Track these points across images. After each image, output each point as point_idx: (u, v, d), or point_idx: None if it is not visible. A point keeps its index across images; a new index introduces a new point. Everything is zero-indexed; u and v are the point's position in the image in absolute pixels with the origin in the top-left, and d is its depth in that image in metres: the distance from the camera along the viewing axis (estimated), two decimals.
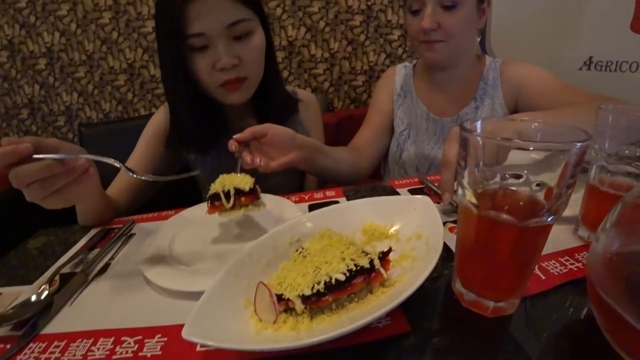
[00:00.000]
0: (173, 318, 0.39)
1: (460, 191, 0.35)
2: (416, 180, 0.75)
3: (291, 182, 0.95)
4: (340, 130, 1.56)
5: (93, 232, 0.64)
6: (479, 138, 0.31)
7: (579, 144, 0.28)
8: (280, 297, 0.35)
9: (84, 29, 1.67)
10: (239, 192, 0.53)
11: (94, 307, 0.44)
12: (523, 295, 0.37)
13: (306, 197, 0.70)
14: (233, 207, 0.53)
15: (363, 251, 0.39)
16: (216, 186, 0.53)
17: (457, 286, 0.38)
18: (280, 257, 0.43)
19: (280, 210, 0.61)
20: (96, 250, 0.56)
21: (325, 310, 0.36)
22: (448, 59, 0.89)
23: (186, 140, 0.81)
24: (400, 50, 1.90)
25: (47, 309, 0.44)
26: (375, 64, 1.90)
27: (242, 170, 0.59)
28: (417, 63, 1.04)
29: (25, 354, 0.37)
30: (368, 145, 0.99)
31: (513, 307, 0.36)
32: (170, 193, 0.97)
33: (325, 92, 1.86)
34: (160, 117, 0.84)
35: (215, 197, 0.52)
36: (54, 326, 0.41)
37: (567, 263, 0.43)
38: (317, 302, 0.35)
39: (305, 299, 0.34)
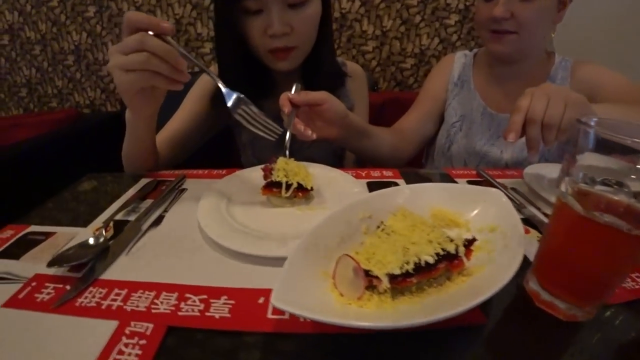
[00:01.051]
0: (238, 280, 0.37)
1: (563, 187, 0.33)
2: (473, 172, 0.70)
3: (331, 156, 0.92)
4: (385, 112, 1.49)
5: (143, 182, 0.62)
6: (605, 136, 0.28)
7: None
8: (366, 273, 0.32)
9: None
10: (300, 187, 0.51)
11: (150, 259, 0.42)
12: (603, 304, 0.35)
13: (363, 174, 0.65)
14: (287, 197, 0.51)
15: (447, 236, 0.36)
16: (280, 174, 0.50)
17: (532, 285, 0.37)
18: (352, 232, 0.40)
19: (342, 183, 0.58)
20: (148, 201, 0.55)
21: (404, 291, 0.34)
22: (516, 54, 0.82)
23: None
24: (455, 37, 1.78)
25: (104, 254, 0.42)
26: (427, 48, 1.79)
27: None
28: (478, 53, 0.97)
29: (86, 297, 0.35)
30: (414, 129, 0.94)
31: (590, 314, 0.34)
32: (209, 156, 0.95)
33: (371, 71, 1.77)
34: (208, 77, 0.83)
35: (275, 183, 0.50)
36: (112, 273, 0.39)
37: None
38: (401, 282, 0.33)
39: (392, 277, 0.32)
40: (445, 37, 1.75)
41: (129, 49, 0.45)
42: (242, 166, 1.02)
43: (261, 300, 0.34)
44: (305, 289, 0.30)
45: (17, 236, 0.48)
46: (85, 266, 0.40)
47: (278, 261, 0.36)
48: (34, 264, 0.42)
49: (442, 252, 0.34)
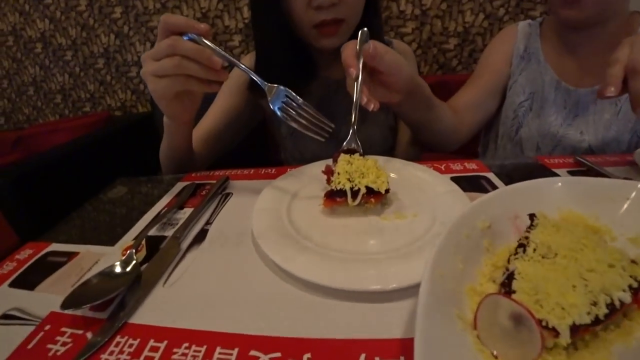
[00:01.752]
0: (322, 325, 0.26)
1: None
2: (570, 161, 0.58)
3: (388, 131, 0.81)
4: None
5: (179, 187, 0.52)
6: None
7: None
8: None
9: None
10: (370, 191, 0.38)
11: (195, 291, 0.31)
12: None
13: (442, 167, 0.53)
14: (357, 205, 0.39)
15: (633, 260, 0.25)
16: (342, 178, 0.39)
17: None
18: (473, 251, 0.28)
19: (425, 180, 0.45)
20: (186, 210, 0.45)
21: (576, 342, 0.23)
22: (594, 18, 0.67)
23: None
24: (502, 11, 1.59)
25: (135, 283, 0.32)
26: (472, 26, 1.62)
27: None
28: (545, 21, 0.82)
29: (112, 353, 0.25)
30: (471, 108, 0.80)
31: None
32: (245, 152, 0.87)
33: None
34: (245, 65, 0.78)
35: (337, 192, 0.39)
36: (146, 312, 0.29)
37: None
38: (583, 332, 0.21)
39: (574, 328, 0.21)
40: (491, 12, 1.57)
41: (161, 54, 0.44)
42: (281, 163, 0.94)
43: (362, 359, 0.23)
44: (445, 348, 0.18)
45: (36, 257, 0.40)
46: (111, 302, 0.30)
47: (374, 296, 0.26)
48: (50, 296, 0.33)
49: (635, 284, 0.23)
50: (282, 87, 0.45)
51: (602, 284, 0.22)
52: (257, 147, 0.99)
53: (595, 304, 0.21)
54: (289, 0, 0.60)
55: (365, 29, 0.50)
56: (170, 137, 0.58)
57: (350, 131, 0.48)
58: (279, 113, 0.44)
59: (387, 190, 0.39)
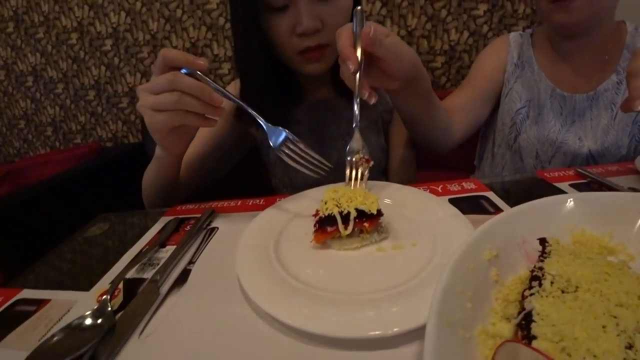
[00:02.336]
0: None
1: None
2: (571, 173, 0.56)
3: (377, 160, 0.78)
4: None
5: (163, 221, 0.49)
6: None
7: None
8: None
9: (149, 8, 1.61)
10: (362, 214, 0.36)
11: (175, 344, 0.28)
12: None
13: (439, 189, 0.50)
14: (350, 235, 0.37)
15: None
16: (329, 204, 0.37)
17: None
18: (481, 284, 0.25)
19: (421, 204, 0.42)
20: (169, 248, 0.42)
21: None
22: (585, 22, 0.68)
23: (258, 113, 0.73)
24: (485, 28, 1.63)
25: (108, 336, 0.29)
26: (457, 44, 1.65)
27: None
28: (535, 32, 0.84)
29: None
30: (464, 110, 0.78)
31: None
32: (235, 181, 0.85)
33: None
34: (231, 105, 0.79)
35: (327, 220, 0.36)
36: None
37: None
38: None
39: None
40: (475, 29, 1.61)
41: (160, 89, 0.43)
42: (272, 190, 0.91)
43: None
44: None
45: (4, 306, 0.37)
46: (81, 358, 0.27)
47: (373, 342, 0.24)
48: (16, 352, 0.30)
49: None
50: (282, 129, 0.46)
51: (635, 320, 0.19)
52: (249, 176, 0.97)
53: (630, 346, 0.18)
54: (272, 28, 0.59)
55: (359, 7, 0.48)
56: (160, 169, 0.56)
57: (355, 130, 0.47)
58: (279, 153, 0.45)
59: (380, 213, 0.37)
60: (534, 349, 0.17)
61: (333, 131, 0.72)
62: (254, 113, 0.46)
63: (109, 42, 1.68)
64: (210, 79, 0.45)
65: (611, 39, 0.74)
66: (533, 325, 0.19)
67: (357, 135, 0.47)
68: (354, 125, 0.47)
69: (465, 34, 1.61)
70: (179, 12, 1.59)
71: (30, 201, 1.06)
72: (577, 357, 0.17)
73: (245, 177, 0.97)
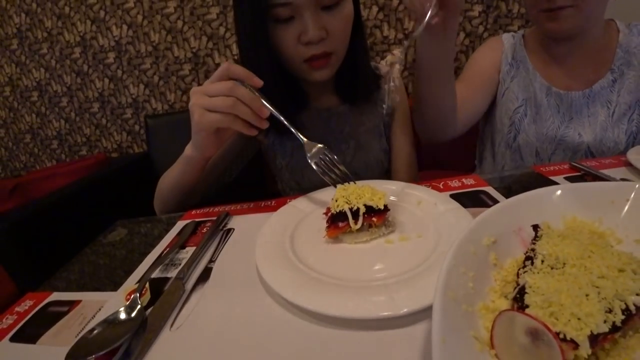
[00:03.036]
0: (334, 356, 0.25)
1: None
2: (566, 167, 0.58)
3: (380, 162, 0.80)
4: None
5: (180, 225, 0.52)
6: None
7: None
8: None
9: (150, 20, 1.65)
10: (370, 210, 0.39)
11: (204, 333, 0.30)
12: None
13: (440, 186, 0.53)
14: (360, 229, 0.40)
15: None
16: (340, 201, 0.40)
17: None
18: (481, 267, 0.28)
19: (424, 200, 0.45)
20: (188, 249, 0.44)
21: (598, 351, 0.22)
22: (575, 29, 0.70)
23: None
24: (481, 29, 1.66)
25: (140, 329, 0.31)
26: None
27: None
28: (526, 33, 0.86)
29: None
30: (461, 104, 0.79)
31: None
32: (241, 186, 0.87)
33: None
34: None
35: (338, 216, 0.39)
36: (154, 358, 0.28)
37: None
38: (602, 341, 0.21)
39: (592, 338, 0.20)
40: (471, 31, 1.64)
41: (217, 92, 0.49)
42: (278, 193, 0.94)
43: None
44: None
45: (37, 308, 0.39)
46: (117, 351, 0.29)
47: (385, 322, 0.26)
48: (53, 348, 0.33)
49: None
50: (320, 145, 0.51)
51: (614, 289, 0.22)
52: (254, 180, 0.99)
53: (610, 310, 0.21)
54: (278, 37, 0.62)
55: None
56: (186, 170, 0.60)
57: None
58: (315, 167, 0.50)
59: (387, 208, 0.39)
60: (527, 314, 0.20)
61: (335, 137, 0.75)
62: (293, 128, 0.51)
63: (111, 55, 1.72)
64: (273, 109, 0.51)
65: (603, 38, 0.75)
66: (526, 296, 0.21)
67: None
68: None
69: (462, 35, 1.64)
70: (179, 23, 1.63)
71: (41, 213, 1.09)
72: (563, 319, 0.20)
73: (248, 183, 1.00)
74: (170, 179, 0.62)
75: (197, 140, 0.54)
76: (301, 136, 0.52)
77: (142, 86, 1.76)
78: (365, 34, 0.74)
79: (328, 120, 0.76)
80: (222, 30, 1.61)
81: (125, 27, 1.68)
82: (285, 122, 0.51)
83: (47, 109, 1.86)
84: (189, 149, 0.58)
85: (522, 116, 0.81)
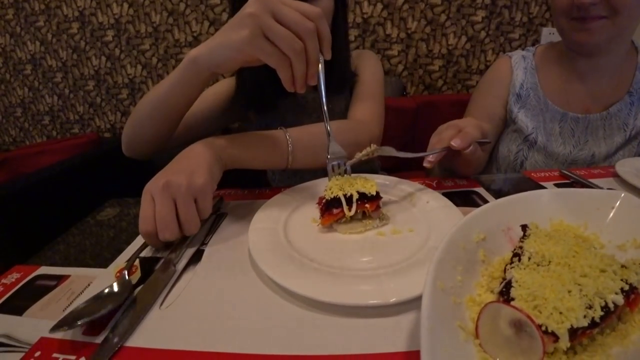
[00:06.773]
0: (324, 342, 0.26)
1: None
2: (556, 174, 0.60)
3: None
4: (420, 117, 1.38)
5: None
6: None
7: None
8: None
9: (152, 0, 1.62)
10: (363, 197, 0.40)
11: (193, 313, 0.31)
12: None
13: (434, 184, 0.54)
14: (354, 217, 0.41)
15: (623, 265, 0.26)
16: (333, 189, 0.41)
17: None
18: (470, 262, 0.29)
19: (417, 197, 0.46)
20: None
21: (575, 347, 0.24)
22: (605, 43, 0.66)
23: (250, 100, 0.77)
24: (483, 34, 1.68)
25: (130, 307, 0.31)
26: (455, 48, 1.69)
27: None
28: (537, 53, 0.81)
29: None
30: None
31: None
32: (234, 176, 0.87)
33: (398, 75, 1.68)
34: (229, 82, 0.81)
35: (332, 203, 0.40)
36: (142, 335, 0.29)
37: None
38: (581, 335, 0.22)
39: (572, 332, 0.22)
40: (473, 35, 1.66)
41: (291, 23, 0.39)
42: (268, 183, 0.94)
43: None
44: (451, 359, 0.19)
45: (24, 281, 0.39)
46: (105, 326, 0.29)
47: (373, 310, 0.27)
48: (40, 321, 0.32)
49: (626, 287, 0.24)
50: (344, 153, 0.48)
51: (595, 288, 0.23)
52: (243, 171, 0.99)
53: (590, 307, 0.22)
54: None
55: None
56: (182, 80, 0.50)
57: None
58: (329, 167, 0.47)
59: (379, 195, 0.40)
60: (512, 306, 0.21)
61: (310, 118, 0.75)
62: (328, 127, 0.48)
63: (110, 33, 1.68)
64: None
65: (626, 59, 0.72)
66: (512, 289, 0.22)
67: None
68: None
69: (463, 38, 1.65)
70: (182, 5, 1.60)
71: (30, 188, 1.07)
72: (546, 312, 0.21)
73: (240, 181, 0.99)
74: (156, 94, 0.53)
75: (227, 53, 0.44)
76: (331, 137, 0.48)
77: (139, 67, 1.73)
78: (347, 33, 0.75)
79: (304, 107, 0.78)
80: (224, 16, 1.59)
81: (126, 5, 1.65)
82: (324, 108, 0.47)
83: (40, 84, 1.82)
84: (196, 52, 0.47)
85: (532, 144, 0.77)
